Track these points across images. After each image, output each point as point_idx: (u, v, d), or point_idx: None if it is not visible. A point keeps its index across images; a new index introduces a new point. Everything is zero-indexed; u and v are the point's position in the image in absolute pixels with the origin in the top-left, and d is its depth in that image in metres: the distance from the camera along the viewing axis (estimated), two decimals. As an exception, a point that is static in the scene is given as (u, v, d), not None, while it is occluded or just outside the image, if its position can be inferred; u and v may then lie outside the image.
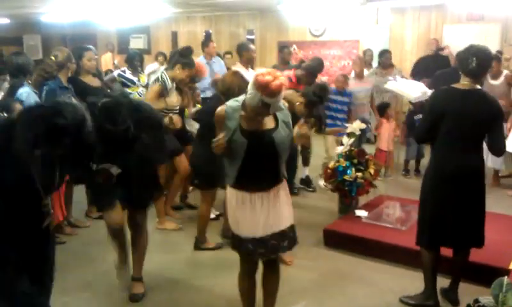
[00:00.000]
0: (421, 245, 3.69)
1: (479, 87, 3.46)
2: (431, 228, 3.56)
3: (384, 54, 8.43)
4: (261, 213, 2.98)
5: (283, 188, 3.10)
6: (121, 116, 2.94)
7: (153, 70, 9.45)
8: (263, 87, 2.73)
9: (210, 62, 7.45)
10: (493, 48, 8.68)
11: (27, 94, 4.61)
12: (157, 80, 4.92)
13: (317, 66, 6.28)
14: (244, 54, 6.37)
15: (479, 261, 4.07)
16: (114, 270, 4.01)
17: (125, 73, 6.68)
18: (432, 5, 9.21)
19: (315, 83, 5.57)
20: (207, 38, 7.80)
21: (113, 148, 2.97)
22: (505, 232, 4.82)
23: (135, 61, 6.79)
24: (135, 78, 6.62)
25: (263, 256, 3.09)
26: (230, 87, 4.33)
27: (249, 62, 6.36)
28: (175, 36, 13.72)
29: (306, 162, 6.74)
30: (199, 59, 7.59)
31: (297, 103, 4.20)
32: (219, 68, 7.48)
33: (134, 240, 3.86)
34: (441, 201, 3.50)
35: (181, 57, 5.01)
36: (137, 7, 9.90)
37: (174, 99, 5.01)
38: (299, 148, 6.13)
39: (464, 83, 3.42)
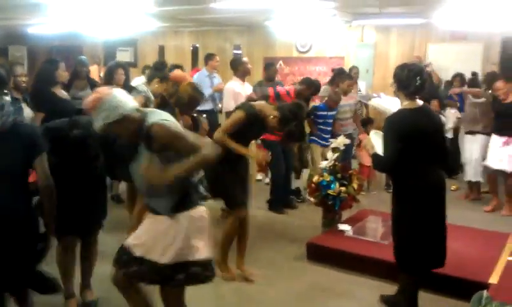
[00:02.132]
0: (408, 271, 3.62)
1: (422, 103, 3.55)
2: (421, 251, 3.51)
3: (352, 70, 8.81)
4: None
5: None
6: (91, 148, 2.99)
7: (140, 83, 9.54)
8: None
9: (211, 76, 7.54)
10: (476, 67, 8.93)
11: None
12: (141, 92, 5.03)
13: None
14: (240, 67, 6.45)
15: (459, 275, 4.13)
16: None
17: None
18: (417, 24, 9.36)
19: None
20: (210, 54, 7.96)
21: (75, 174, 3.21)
22: (482, 247, 4.88)
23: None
24: None
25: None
26: (181, 96, 4.61)
27: (245, 75, 6.44)
28: (162, 50, 13.75)
29: (298, 176, 6.81)
30: (201, 72, 7.70)
31: (271, 117, 4.22)
32: (217, 82, 7.59)
33: (85, 257, 3.88)
34: (429, 219, 3.49)
35: (156, 71, 5.12)
36: (125, 21, 9.91)
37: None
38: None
39: (411, 103, 3.47)
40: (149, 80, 5.31)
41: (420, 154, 3.43)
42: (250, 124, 4.19)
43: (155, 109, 3.14)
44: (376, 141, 3.60)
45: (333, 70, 8.65)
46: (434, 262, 3.60)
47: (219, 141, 4.03)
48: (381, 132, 3.55)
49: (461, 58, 9.43)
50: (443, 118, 7.91)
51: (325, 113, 6.62)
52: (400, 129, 3.40)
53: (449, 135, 7.71)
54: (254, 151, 4.80)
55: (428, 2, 7.28)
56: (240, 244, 4.55)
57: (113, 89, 2.89)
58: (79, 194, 3.47)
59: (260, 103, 4.46)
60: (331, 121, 6.70)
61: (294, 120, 4.27)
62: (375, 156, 3.54)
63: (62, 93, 5.25)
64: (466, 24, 8.59)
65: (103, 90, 2.84)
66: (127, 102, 2.78)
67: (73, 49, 13.77)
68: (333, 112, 6.72)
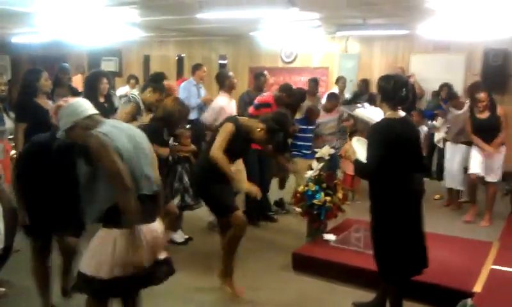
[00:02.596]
0: (389, 279, 3.65)
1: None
2: (402, 258, 3.54)
3: (339, 80, 9.10)
4: None
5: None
6: (72, 156, 3.05)
7: (125, 92, 9.53)
8: None
9: (198, 86, 7.56)
10: (458, 77, 9.05)
11: None
12: (129, 100, 5.03)
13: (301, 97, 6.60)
14: (226, 81, 6.38)
15: (443, 284, 4.15)
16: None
17: None
18: (400, 35, 9.48)
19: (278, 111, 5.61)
20: (198, 64, 7.98)
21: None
22: (466, 255, 4.93)
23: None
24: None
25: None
26: (171, 113, 4.54)
27: (231, 89, 6.40)
28: (147, 59, 13.73)
29: (282, 186, 6.79)
30: (189, 81, 7.71)
31: (257, 130, 4.19)
32: (203, 93, 7.62)
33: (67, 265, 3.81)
34: (410, 226, 3.53)
35: (152, 81, 5.15)
36: (109, 30, 9.89)
37: (165, 150, 4.81)
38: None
39: (394, 113, 3.52)
40: (142, 90, 5.33)
41: (401, 162, 3.48)
42: (236, 138, 4.13)
43: (114, 121, 3.17)
44: (358, 148, 3.63)
45: (311, 81, 8.72)
46: (414, 269, 3.62)
47: (217, 160, 3.98)
48: (364, 139, 3.59)
49: (444, 69, 9.56)
50: (425, 128, 7.99)
51: (304, 127, 6.66)
52: (385, 137, 3.45)
53: (440, 145, 7.77)
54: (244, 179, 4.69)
55: (411, 14, 7.39)
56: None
57: (76, 98, 3.05)
58: (54, 195, 3.42)
59: (244, 118, 4.43)
60: (310, 135, 6.74)
61: (280, 130, 4.25)
62: (357, 162, 3.57)
63: (46, 103, 5.21)
64: (448, 35, 8.74)
65: (67, 99, 2.97)
66: (83, 110, 2.88)
67: (57, 58, 13.67)
68: (312, 127, 6.76)
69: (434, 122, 8.09)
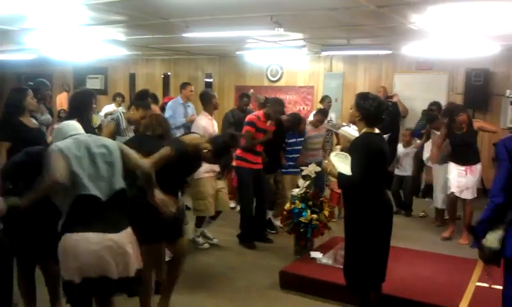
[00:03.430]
0: (357, 291, 3.76)
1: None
2: (374, 270, 3.66)
3: (325, 100, 9.16)
4: None
5: None
6: None
7: (111, 110, 9.54)
8: None
9: (185, 105, 7.57)
10: (441, 96, 9.19)
11: None
12: (112, 119, 5.05)
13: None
14: (210, 101, 6.34)
15: (429, 301, 4.19)
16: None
17: None
18: (383, 55, 9.64)
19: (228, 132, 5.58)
20: (185, 83, 8.02)
21: None
22: (451, 273, 4.99)
23: None
24: None
25: None
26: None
27: (215, 109, 6.38)
28: (132, 77, 13.73)
29: (271, 206, 6.79)
30: (175, 100, 7.71)
31: (204, 150, 4.13)
32: (192, 111, 7.62)
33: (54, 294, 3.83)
34: (385, 237, 3.68)
35: (136, 99, 5.17)
36: (95, 48, 9.89)
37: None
38: None
39: (371, 129, 3.66)
40: (128, 108, 5.39)
41: (379, 175, 3.62)
42: (181, 161, 3.92)
43: (83, 135, 3.28)
44: (337, 163, 3.67)
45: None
46: (378, 281, 3.72)
47: (147, 174, 3.59)
48: (344, 154, 3.66)
49: (427, 88, 9.72)
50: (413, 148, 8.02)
51: (294, 140, 6.75)
52: (368, 149, 3.58)
53: (429, 164, 7.87)
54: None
55: (394, 34, 7.52)
56: (166, 283, 4.15)
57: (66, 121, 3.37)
58: (43, 214, 3.36)
59: (190, 137, 4.30)
60: (300, 147, 6.83)
61: (226, 152, 4.21)
62: (341, 175, 3.61)
63: (30, 121, 5.18)
64: (431, 55, 8.90)
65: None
66: (66, 131, 3.23)
67: (42, 76, 13.60)
68: (302, 138, 6.86)
69: (418, 141, 8.19)
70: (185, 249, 4.17)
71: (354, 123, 3.88)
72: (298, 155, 6.85)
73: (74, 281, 2.92)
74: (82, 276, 2.92)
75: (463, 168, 6.38)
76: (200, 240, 6.07)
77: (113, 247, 2.97)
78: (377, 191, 3.65)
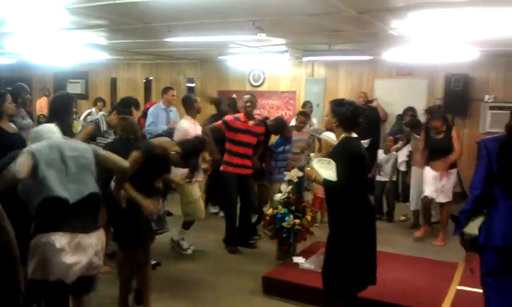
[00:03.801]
0: (338, 295, 3.75)
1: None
2: (356, 274, 3.65)
3: (306, 105, 9.25)
4: None
5: None
6: None
7: (90, 111, 9.52)
8: None
9: (167, 110, 7.52)
10: (421, 101, 9.30)
11: None
12: (91, 121, 5.11)
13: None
14: (192, 105, 6.30)
15: (410, 305, 4.22)
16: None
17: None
18: (364, 60, 9.72)
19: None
20: (167, 87, 7.99)
21: None
22: (432, 276, 5.02)
23: None
24: None
25: None
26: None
27: (197, 113, 6.32)
28: (114, 82, 13.62)
29: (255, 210, 6.77)
30: (157, 106, 7.65)
31: (172, 153, 4.16)
32: (175, 116, 7.56)
33: None
34: (370, 240, 3.70)
35: (120, 105, 5.21)
36: (76, 52, 9.79)
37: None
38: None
39: (349, 134, 3.71)
40: (110, 112, 5.53)
41: (361, 179, 3.67)
42: (149, 162, 3.98)
43: (58, 138, 3.36)
44: (319, 169, 3.67)
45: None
46: (362, 284, 3.73)
47: (125, 170, 3.66)
48: (326, 159, 3.65)
49: (407, 93, 9.83)
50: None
51: (282, 148, 6.76)
52: (351, 152, 3.63)
53: (402, 168, 7.94)
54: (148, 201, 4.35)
55: (374, 40, 7.59)
56: (143, 294, 4.24)
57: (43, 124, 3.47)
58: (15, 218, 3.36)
59: (159, 140, 4.33)
60: (289, 154, 6.83)
61: (195, 155, 4.23)
62: (326, 181, 3.61)
63: (9, 126, 5.10)
64: (411, 60, 9.01)
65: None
66: (42, 134, 3.32)
67: (22, 81, 13.41)
68: (289, 145, 6.87)
69: (397, 145, 8.27)
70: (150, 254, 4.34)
71: (331, 130, 3.90)
72: (287, 162, 6.83)
73: (45, 280, 2.97)
74: (51, 277, 2.97)
75: (438, 173, 6.47)
76: (184, 244, 6.01)
77: (81, 246, 3.04)
78: (361, 195, 3.69)
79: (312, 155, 4.23)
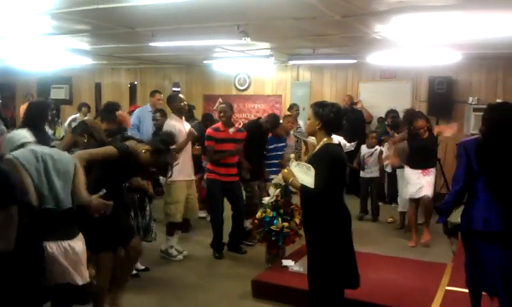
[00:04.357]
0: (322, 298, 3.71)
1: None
2: (338, 276, 3.62)
3: (292, 108, 9.19)
4: None
5: None
6: None
7: (75, 117, 9.44)
8: None
9: (153, 113, 7.46)
10: (405, 104, 9.39)
11: None
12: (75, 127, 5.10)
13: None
14: (174, 104, 6.24)
15: (398, 306, 4.25)
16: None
17: None
18: (349, 64, 9.80)
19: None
20: (154, 91, 8.00)
21: None
22: (420, 277, 5.07)
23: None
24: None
25: None
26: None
27: (181, 112, 6.25)
28: (98, 87, 13.52)
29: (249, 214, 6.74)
30: (144, 108, 7.63)
31: (142, 151, 4.00)
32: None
33: None
34: (346, 244, 3.65)
35: (104, 111, 5.21)
36: (59, 57, 9.70)
37: None
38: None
39: (330, 139, 3.66)
40: (95, 118, 5.54)
41: (340, 184, 3.64)
42: (121, 163, 3.90)
43: (38, 146, 3.38)
44: (297, 173, 3.64)
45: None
46: (344, 286, 3.70)
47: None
48: (306, 164, 3.61)
49: (391, 96, 9.93)
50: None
51: (274, 146, 6.75)
52: (332, 159, 3.58)
53: (388, 169, 8.01)
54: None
55: (358, 44, 7.66)
56: (117, 278, 4.18)
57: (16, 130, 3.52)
58: None
59: (131, 142, 4.18)
60: (282, 153, 6.83)
61: (166, 151, 4.10)
62: (303, 187, 3.55)
63: None
64: (395, 63, 9.10)
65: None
66: (17, 139, 3.39)
67: (5, 86, 13.33)
68: (283, 143, 6.88)
69: (382, 147, 8.34)
70: (140, 249, 4.38)
71: (312, 134, 3.82)
72: (279, 161, 6.80)
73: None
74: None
75: (419, 171, 6.55)
76: (173, 251, 5.98)
77: (69, 253, 3.11)
78: (338, 201, 3.63)
79: (292, 156, 4.14)
